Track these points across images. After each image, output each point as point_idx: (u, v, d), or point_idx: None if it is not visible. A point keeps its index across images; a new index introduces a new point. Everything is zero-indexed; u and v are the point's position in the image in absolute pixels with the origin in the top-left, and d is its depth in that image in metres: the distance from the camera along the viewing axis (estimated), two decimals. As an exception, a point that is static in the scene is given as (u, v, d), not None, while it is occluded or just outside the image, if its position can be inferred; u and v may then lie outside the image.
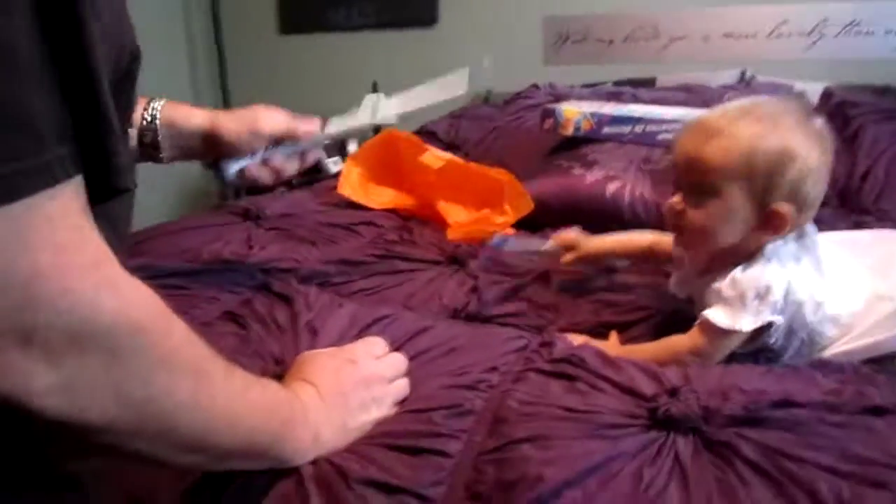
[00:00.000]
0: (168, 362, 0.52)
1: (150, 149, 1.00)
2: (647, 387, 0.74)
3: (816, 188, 0.84)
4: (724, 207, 0.84)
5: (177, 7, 3.03)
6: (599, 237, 1.13)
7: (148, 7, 2.87)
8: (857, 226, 1.38)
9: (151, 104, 1.00)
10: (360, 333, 0.92)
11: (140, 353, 0.49)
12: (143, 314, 0.50)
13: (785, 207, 0.82)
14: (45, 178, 0.43)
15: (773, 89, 1.91)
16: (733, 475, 0.61)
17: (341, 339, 0.90)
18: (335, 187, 1.60)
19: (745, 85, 2.06)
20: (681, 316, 0.97)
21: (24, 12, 0.42)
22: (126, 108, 0.57)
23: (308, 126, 1.07)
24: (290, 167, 1.07)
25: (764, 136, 0.82)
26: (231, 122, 1.02)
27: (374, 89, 2.68)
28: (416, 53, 2.82)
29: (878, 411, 0.69)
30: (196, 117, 1.02)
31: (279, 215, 1.47)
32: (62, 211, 0.44)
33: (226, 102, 3.05)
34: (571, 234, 1.13)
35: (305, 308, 0.98)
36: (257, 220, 1.44)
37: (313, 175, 2.41)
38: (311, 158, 1.10)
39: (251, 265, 1.19)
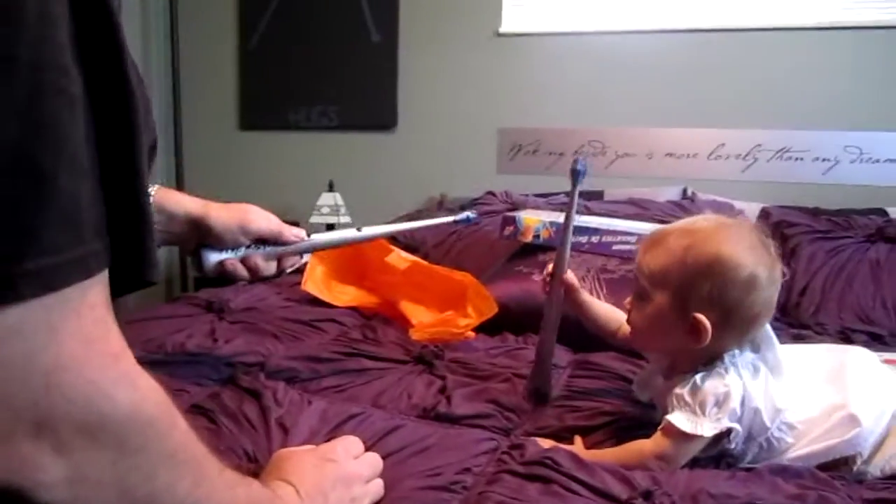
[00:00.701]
0: (171, 458, 0.52)
1: None
2: (619, 490, 0.76)
3: (747, 301, 0.87)
4: (652, 312, 0.92)
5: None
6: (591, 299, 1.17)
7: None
8: (798, 339, 1.45)
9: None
10: (332, 431, 0.92)
11: (147, 447, 0.50)
12: (154, 409, 0.50)
13: (703, 317, 0.86)
14: (80, 272, 0.45)
15: (715, 207, 2.02)
16: (709, 578, 0.63)
17: (313, 437, 0.91)
18: (298, 283, 1.61)
19: (689, 202, 2.18)
20: (641, 421, 1.01)
21: (84, 108, 0.44)
22: None
23: (296, 232, 1.10)
24: (268, 268, 1.08)
25: (690, 249, 0.88)
26: (222, 214, 1.04)
27: (331, 188, 2.74)
28: (374, 156, 2.91)
29: (839, 517, 0.72)
30: (188, 203, 1.03)
31: (242, 309, 1.48)
32: (90, 303, 0.46)
33: (180, 194, 3.05)
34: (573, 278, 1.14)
35: (275, 404, 0.98)
36: (220, 312, 1.44)
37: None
38: (288, 264, 1.11)
39: (216, 358, 1.18)
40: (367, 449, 0.83)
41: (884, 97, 2.33)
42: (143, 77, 0.51)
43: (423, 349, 1.24)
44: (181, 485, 0.53)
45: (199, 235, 1.04)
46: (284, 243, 1.08)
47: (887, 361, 1.25)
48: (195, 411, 0.97)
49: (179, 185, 3.07)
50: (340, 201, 2.74)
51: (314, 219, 2.70)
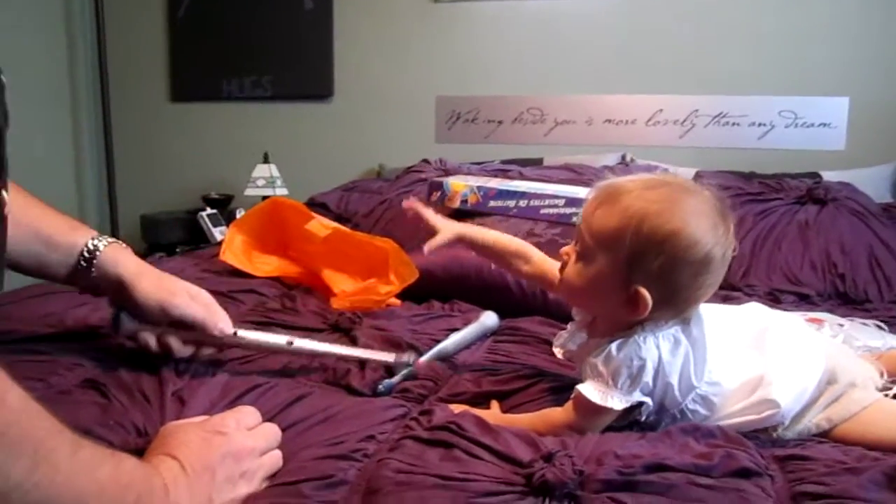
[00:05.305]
0: (1, 438, 0.47)
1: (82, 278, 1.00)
2: (524, 453, 0.73)
3: (696, 282, 0.81)
4: (591, 272, 0.85)
5: (62, 68, 2.93)
6: (473, 229, 1.09)
7: (33, 63, 2.77)
8: (727, 300, 1.44)
9: (99, 239, 1.00)
10: (233, 403, 0.87)
11: None
12: None
13: (645, 291, 0.80)
14: None
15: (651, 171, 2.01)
16: (607, 540, 0.60)
17: (212, 409, 0.86)
18: (217, 255, 1.55)
19: (625, 167, 2.16)
20: (561, 383, 0.98)
21: None
22: None
23: (221, 327, 1.01)
24: (183, 351, 1.00)
25: (646, 216, 0.79)
26: (149, 290, 0.99)
27: (266, 160, 2.66)
28: (310, 126, 2.84)
29: (745, 474, 0.70)
30: (123, 267, 0.99)
31: (155, 281, 1.40)
32: None
33: (109, 167, 2.95)
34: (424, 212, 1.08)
35: (174, 376, 0.93)
36: (131, 285, 1.36)
37: (198, 244, 2.34)
38: (206, 352, 1.03)
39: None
40: (270, 420, 0.79)
41: (818, 61, 2.35)
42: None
43: (340, 317, 1.19)
44: (15, 468, 0.48)
45: (123, 300, 1.00)
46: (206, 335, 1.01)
47: (811, 321, 1.25)
48: (87, 385, 0.91)
49: (109, 160, 2.96)
50: (276, 173, 2.67)
51: (249, 191, 2.63)
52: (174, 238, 2.62)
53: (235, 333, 1.02)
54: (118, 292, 0.99)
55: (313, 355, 1.04)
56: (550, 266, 1.00)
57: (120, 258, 1.00)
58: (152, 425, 0.81)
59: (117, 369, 0.96)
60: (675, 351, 0.84)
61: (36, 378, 0.91)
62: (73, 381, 0.93)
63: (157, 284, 1.00)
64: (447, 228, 1.05)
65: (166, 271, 1.46)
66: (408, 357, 1.03)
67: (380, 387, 0.97)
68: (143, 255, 2.40)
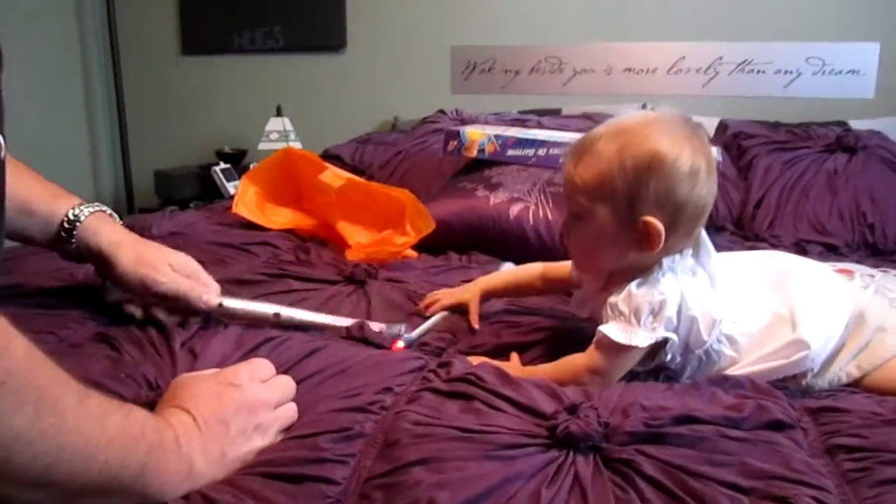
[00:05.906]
0: (3, 386, 0.46)
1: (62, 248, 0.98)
2: (546, 405, 0.70)
3: (693, 195, 0.81)
4: (594, 229, 0.84)
5: (71, 22, 2.89)
6: (487, 278, 1.11)
7: (41, 18, 2.73)
8: (752, 250, 1.41)
9: (81, 208, 0.96)
10: (246, 356, 0.86)
11: None
12: None
13: (654, 220, 0.80)
14: None
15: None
16: (634, 494, 0.58)
17: (224, 362, 0.84)
18: (229, 207, 1.52)
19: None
20: (582, 335, 0.95)
21: None
22: None
23: (205, 299, 0.97)
24: (171, 321, 0.96)
25: (624, 150, 0.80)
26: (129, 266, 0.94)
27: (279, 113, 2.62)
28: (323, 78, 2.78)
29: (777, 426, 0.67)
30: (105, 237, 0.96)
31: (167, 234, 1.38)
32: None
33: (121, 123, 2.92)
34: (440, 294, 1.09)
35: (185, 329, 0.91)
36: (142, 239, 1.34)
37: (212, 199, 2.32)
38: (194, 320, 0.98)
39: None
40: (284, 373, 0.76)
41: (847, 5, 2.25)
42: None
43: (355, 268, 1.17)
44: (18, 415, 0.47)
45: (105, 271, 0.97)
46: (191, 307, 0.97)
47: (841, 271, 1.21)
48: (98, 339, 0.89)
49: (121, 116, 2.93)
50: (289, 126, 2.62)
51: (263, 145, 2.59)
52: (188, 193, 2.60)
53: (221, 304, 0.98)
54: (99, 264, 0.97)
55: (301, 326, 1.00)
56: (561, 266, 1.03)
57: (103, 229, 0.96)
58: (164, 378, 0.80)
59: (128, 322, 0.94)
60: (695, 283, 0.84)
61: (46, 331, 0.90)
62: (83, 335, 0.92)
63: (138, 258, 0.95)
64: (471, 292, 1.07)
65: (178, 224, 1.46)
66: (399, 328, 1.00)
67: (400, 342, 0.94)
68: (157, 210, 2.40)
